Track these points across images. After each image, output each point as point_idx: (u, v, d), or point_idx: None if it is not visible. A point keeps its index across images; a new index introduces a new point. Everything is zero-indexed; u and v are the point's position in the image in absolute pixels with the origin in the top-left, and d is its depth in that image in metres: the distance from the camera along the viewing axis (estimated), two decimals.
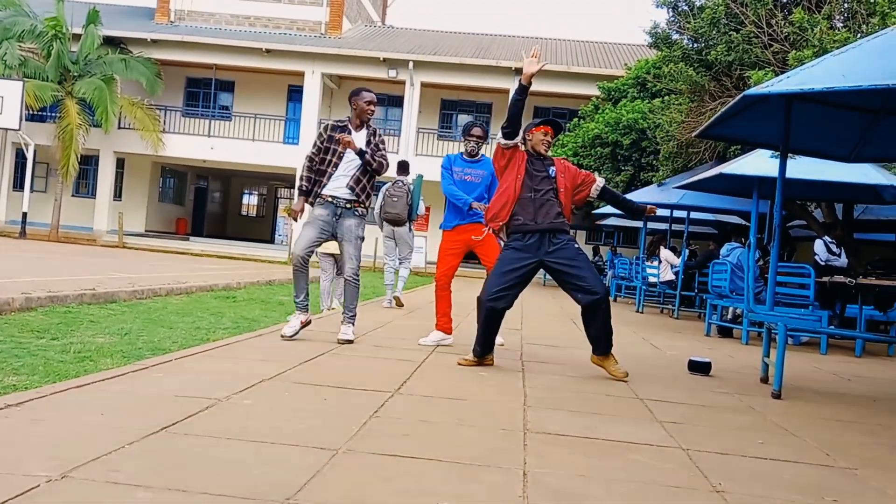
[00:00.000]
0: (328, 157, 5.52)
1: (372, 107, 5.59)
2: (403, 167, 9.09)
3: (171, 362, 4.13)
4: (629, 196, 13.28)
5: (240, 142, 25.63)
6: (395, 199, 8.70)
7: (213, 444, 2.62)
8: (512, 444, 2.95)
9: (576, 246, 4.87)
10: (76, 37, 23.80)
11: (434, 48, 25.84)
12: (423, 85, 25.07)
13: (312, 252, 5.52)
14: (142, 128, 24.31)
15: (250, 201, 36.45)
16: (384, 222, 8.97)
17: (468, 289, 10.80)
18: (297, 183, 5.66)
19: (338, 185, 5.49)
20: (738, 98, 4.64)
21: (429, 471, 2.52)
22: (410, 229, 9.23)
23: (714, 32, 10.71)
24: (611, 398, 4.17)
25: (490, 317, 4.81)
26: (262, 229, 34.14)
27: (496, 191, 5.03)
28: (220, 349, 4.77)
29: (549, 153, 5.03)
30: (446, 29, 35.85)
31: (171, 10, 27.09)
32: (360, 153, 5.45)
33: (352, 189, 5.49)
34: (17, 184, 25.62)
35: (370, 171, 5.54)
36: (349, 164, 5.51)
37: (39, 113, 24.48)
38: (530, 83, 4.73)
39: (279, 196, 35.36)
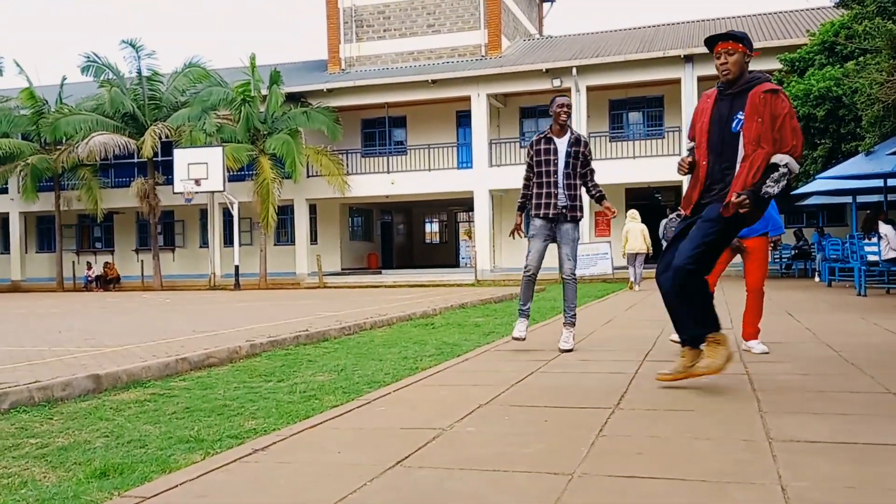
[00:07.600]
0: (543, 170, 5.87)
1: (562, 108, 5.87)
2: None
3: (390, 395, 4.24)
4: (831, 171, 12.20)
5: (417, 173, 26.50)
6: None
7: (447, 475, 2.62)
8: (758, 455, 2.71)
9: None
10: (262, 98, 25.83)
11: (596, 50, 25.36)
12: (589, 89, 24.63)
13: (542, 261, 5.92)
14: (328, 173, 25.83)
15: (432, 229, 37.53)
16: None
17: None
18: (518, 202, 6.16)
19: (554, 193, 5.86)
20: None
21: (675, 492, 2.36)
22: None
23: None
24: (858, 395, 3.76)
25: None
26: (446, 254, 35.00)
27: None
28: (431, 377, 4.85)
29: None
30: (607, 28, 35.16)
31: (342, 59, 28.67)
32: (599, 198, 5.93)
33: (568, 196, 5.85)
34: (227, 240, 28.06)
35: (585, 182, 5.98)
36: (562, 174, 5.86)
37: (238, 172, 26.71)
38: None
39: (459, 220, 36.13)
